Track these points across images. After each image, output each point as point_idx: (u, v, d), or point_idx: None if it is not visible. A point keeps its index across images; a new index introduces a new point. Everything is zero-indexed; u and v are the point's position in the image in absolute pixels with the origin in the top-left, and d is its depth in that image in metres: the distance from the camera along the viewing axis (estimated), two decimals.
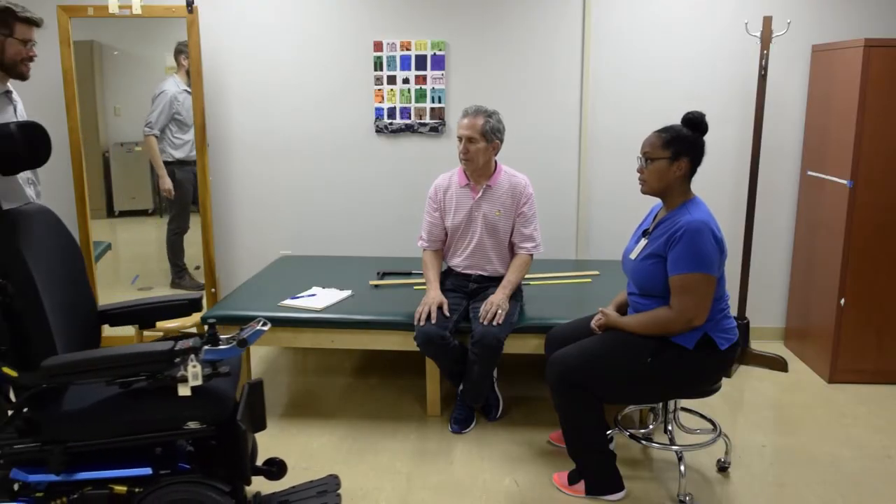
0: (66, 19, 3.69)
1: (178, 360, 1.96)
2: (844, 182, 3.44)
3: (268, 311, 3.13)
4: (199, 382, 1.97)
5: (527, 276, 3.40)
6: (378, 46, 3.96)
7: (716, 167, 3.98)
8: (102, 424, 2.01)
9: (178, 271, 4.14)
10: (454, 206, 3.12)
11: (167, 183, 3.98)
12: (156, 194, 4.11)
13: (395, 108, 4.02)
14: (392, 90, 4.00)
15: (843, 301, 3.49)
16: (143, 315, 2.46)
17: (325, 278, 3.62)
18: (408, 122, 4.02)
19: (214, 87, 4.05)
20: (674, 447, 2.63)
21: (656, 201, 2.58)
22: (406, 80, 3.99)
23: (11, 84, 2.63)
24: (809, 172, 3.81)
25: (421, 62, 3.96)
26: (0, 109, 2.56)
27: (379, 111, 4.03)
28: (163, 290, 4.12)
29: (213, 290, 3.99)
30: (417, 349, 2.96)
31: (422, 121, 4.02)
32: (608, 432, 2.59)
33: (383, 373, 3.73)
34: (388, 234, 4.19)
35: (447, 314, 2.97)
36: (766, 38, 3.57)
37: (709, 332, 2.39)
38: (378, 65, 3.98)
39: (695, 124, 2.41)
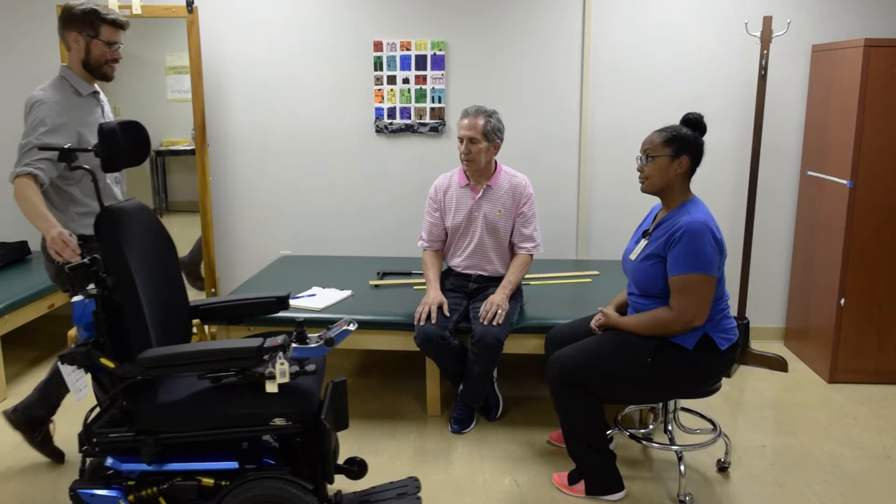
0: None
1: (266, 356, 1.99)
2: (844, 182, 3.44)
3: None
4: (286, 380, 2.00)
5: (527, 276, 3.41)
6: (378, 46, 3.96)
7: (716, 167, 3.98)
8: (193, 417, 2.05)
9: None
10: (454, 206, 3.12)
11: None
12: (156, 194, 4.10)
13: (395, 108, 4.02)
14: (392, 90, 4.00)
15: (843, 301, 3.49)
16: (234, 311, 2.49)
17: (325, 278, 3.62)
18: (408, 122, 4.02)
19: (214, 86, 4.05)
20: (674, 447, 2.63)
21: (656, 201, 2.58)
22: (406, 80, 3.99)
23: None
24: (809, 172, 3.81)
25: (421, 62, 3.96)
26: (89, 110, 2.57)
27: (379, 111, 4.03)
28: None
29: (213, 290, 3.99)
30: (417, 349, 2.96)
31: (422, 121, 4.02)
32: (608, 432, 2.60)
33: (383, 373, 3.73)
34: (388, 234, 4.19)
35: (447, 314, 2.97)
36: (766, 38, 3.57)
37: (709, 332, 2.39)
38: (378, 65, 3.98)
39: (694, 125, 2.43)
